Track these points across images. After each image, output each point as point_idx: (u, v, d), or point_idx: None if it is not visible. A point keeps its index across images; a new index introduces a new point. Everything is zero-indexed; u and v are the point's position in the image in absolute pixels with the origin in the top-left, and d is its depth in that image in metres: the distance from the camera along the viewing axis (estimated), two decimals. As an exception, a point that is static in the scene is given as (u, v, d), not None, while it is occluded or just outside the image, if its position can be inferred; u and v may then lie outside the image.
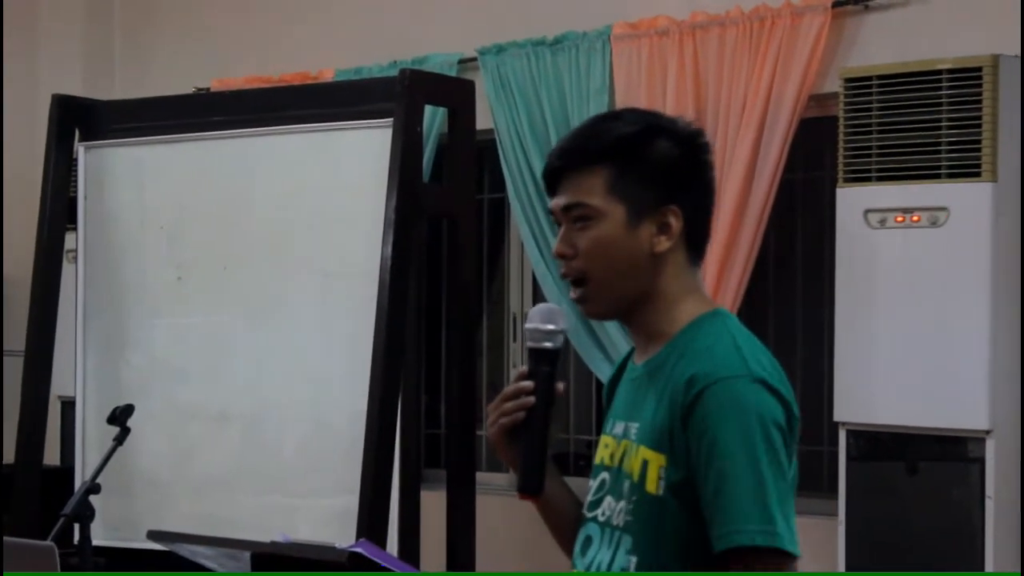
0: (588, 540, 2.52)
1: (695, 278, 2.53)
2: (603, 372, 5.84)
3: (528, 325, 2.47)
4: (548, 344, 2.45)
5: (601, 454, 2.53)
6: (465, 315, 5.37)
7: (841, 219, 5.26)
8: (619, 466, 2.48)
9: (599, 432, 2.59)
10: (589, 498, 2.54)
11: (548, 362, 2.45)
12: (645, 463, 2.41)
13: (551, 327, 2.45)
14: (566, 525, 2.62)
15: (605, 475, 2.50)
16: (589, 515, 2.52)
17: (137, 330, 5.68)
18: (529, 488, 2.48)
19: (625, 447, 2.48)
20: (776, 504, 2.32)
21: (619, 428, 2.52)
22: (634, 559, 2.42)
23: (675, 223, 2.47)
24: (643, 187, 2.46)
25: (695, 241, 2.51)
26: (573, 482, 2.66)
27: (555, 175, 2.52)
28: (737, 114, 5.59)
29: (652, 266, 2.47)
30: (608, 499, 2.49)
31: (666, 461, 2.39)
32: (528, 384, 2.44)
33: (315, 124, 5.38)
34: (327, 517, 5.20)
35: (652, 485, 2.40)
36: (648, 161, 2.47)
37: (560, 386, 2.46)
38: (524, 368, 2.46)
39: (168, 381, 5.58)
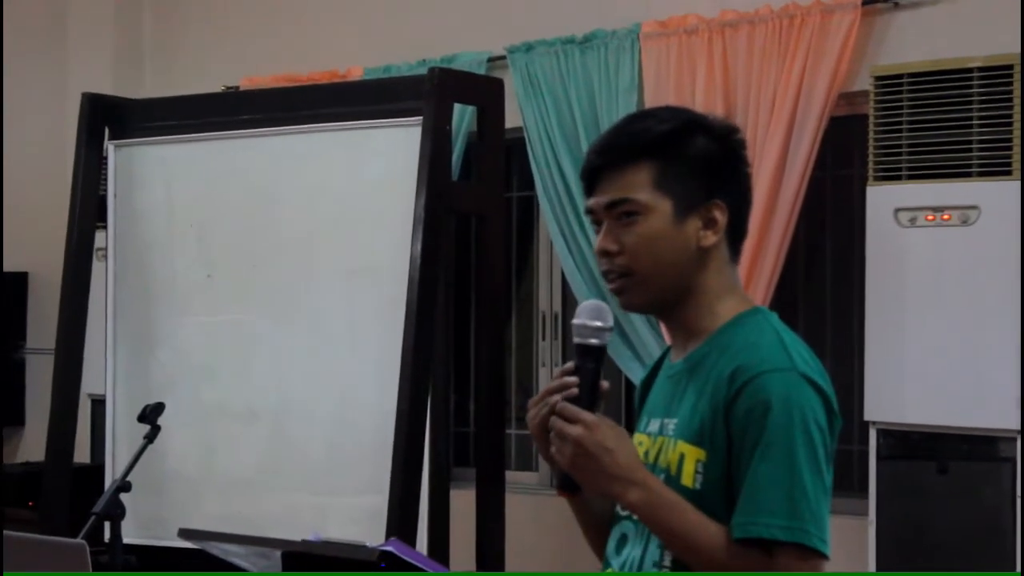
0: (623, 538, 2.52)
1: (735, 275, 2.54)
2: (632, 371, 5.83)
3: (576, 321, 2.45)
4: (595, 341, 2.43)
5: (635, 452, 2.52)
6: (494, 313, 5.36)
7: (871, 218, 5.24)
8: (654, 462, 2.47)
9: (627, 431, 2.57)
10: None
11: (594, 359, 2.43)
12: (682, 456, 2.41)
13: (599, 323, 2.44)
14: (599, 523, 2.61)
15: (639, 472, 2.48)
16: (623, 513, 2.51)
17: (167, 328, 5.69)
18: (569, 484, 2.46)
19: (661, 443, 2.48)
20: (806, 501, 2.31)
21: (654, 425, 2.52)
22: (668, 551, 2.41)
23: (720, 217, 2.47)
24: (688, 182, 2.46)
25: (736, 236, 2.52)
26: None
27: (595, 173, 2.51)
28: (767, 112, 5.57)
29: (697, 261, 2.47)
30: None
31: (705, 456, 2.38)
32: (573, 379, 2.42)
33: (344, 123, 5.39)
34: (356, 516, 5.20)
35: (689, 479, 2.39)
36: (690, 157, 2.48)
37: (605, 384, 2.46)
38: (571, 364, 2.45)
39: (197, 379, 5.59)
